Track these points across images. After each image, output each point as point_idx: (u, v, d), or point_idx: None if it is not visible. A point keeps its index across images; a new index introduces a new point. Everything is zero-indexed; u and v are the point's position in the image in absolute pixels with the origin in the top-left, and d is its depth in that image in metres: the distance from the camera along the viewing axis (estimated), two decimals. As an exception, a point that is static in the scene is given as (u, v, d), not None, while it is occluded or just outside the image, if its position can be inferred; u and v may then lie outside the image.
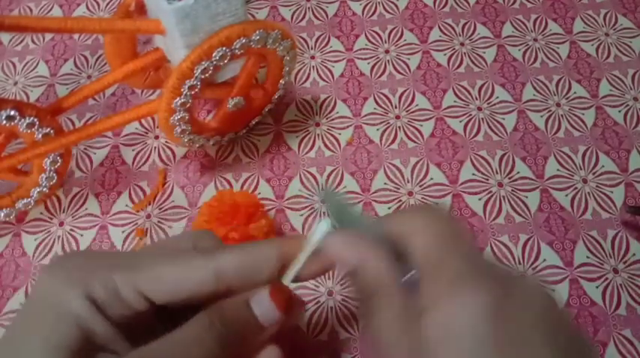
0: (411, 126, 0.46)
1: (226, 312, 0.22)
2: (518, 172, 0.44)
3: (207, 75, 0.35)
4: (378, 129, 0.46)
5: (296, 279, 0.24)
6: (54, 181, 0.39)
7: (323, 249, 0.24)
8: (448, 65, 0.49)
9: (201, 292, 0.22)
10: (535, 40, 0.51)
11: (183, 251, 0.23)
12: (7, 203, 0.39)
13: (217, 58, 0.34)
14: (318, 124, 0.46)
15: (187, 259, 0.22)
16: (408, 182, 0.43)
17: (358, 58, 0.50)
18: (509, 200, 0.42)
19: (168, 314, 0.23)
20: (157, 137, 0.46)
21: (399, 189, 0.43)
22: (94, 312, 0.20)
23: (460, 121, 0.46)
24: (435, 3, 0.53)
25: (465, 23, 0.52)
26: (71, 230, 0.41)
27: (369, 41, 0.51)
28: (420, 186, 0.43)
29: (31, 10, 0.54)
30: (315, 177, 0.43)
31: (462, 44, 0.51)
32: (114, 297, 0.20)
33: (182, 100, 0.35)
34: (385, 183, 0.43)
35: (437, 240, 0.22)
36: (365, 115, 0.47)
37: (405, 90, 0.48)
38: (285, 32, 0.37)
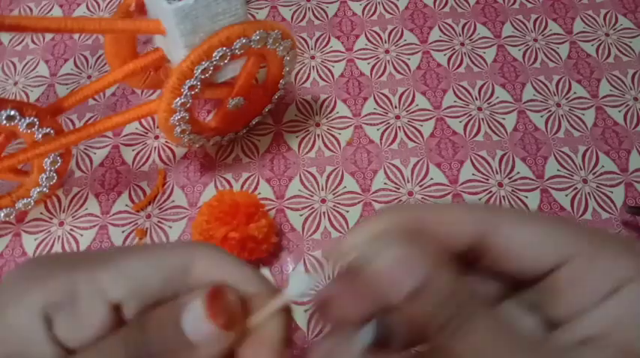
0: (411, 126, 0.46)
1: (150, 327, 0.17)
2: (518, 172, 0.44)
3: (207, 75, 0.35)
4: (378, 129, 0.46)
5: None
6: (54, 181, 0.39)
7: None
8: (448, 65, 0.49)
9: (162, 291, 0.18)
10: (535, 40, 0.51)
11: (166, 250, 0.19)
12: (7, 203, 0.39)
13: (217, 58, 0.34)
14: (318, 124, 0.46)
15: (168, 257, 0.18)
16: (408, 182, 0.43)
17: (358, 58, 0.50)
18: (509, 200, 0.42)
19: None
20: (157, 137, 0.46)
21: (399, 189, 0.43)
22: (41, 331, 0.16)
23: (460, 121, 0.46)
24: (435, 3, 0.54)
25: (465, 23, 0.52)
26: (71, 230, 0.41)
27: (369, 41, 0.51)
28: (420, 186, 0.43)
29: (31, 10, 0.54)
30: (315, 177, 0.43)
31: (462, 44, 0.51)
32: (68, 307, 0.17)
33: (182, 100, 0.35)
34: (385, 183, 0.43)
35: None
36: (365, 115, 0.47)
37: (405, 91, 0.48)
38: (286, 32, 0.37)
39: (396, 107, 0.47)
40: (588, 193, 0.43)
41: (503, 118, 0.46)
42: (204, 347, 0.16)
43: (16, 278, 0.18)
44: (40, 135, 0.35)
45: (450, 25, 0.52)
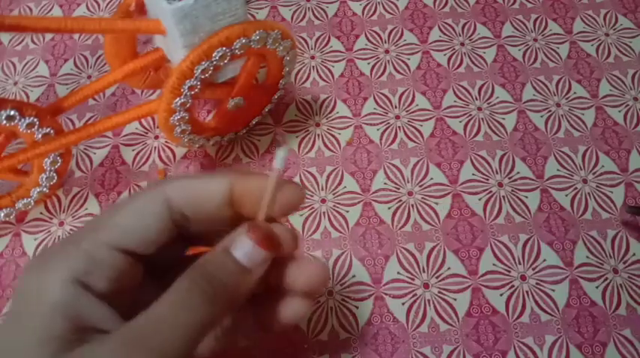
0: (411, 126, 0.46)
1: (207, 266, 0.21)
2: (518, 172, 0.44)
3: (207, 75, 0.35)
4: (378, 130, 0.46)
5: (270, 219, 0.23)
6: (54, 181, 0.39)
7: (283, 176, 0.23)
8: (448, 65, 0.49)
9: (164, 229, 0.22)
10: (535, 40, 0.51)
11: (136, 194, 0.23)
12: (7, 203, 0.39)
13: (217, 58, 0.34)
14: (318, 124, 0.46)
15: (141, 199, 0.22)
16: (408, 182, 0.43)
17: (358, 58, 0.50)
18: (509, 200, 0.42)
19: (161, 273, 0.22)
20: (156, 137, 0.46)
21: (399, 189, 0.43)
22: (78, 294, 0.19)
23: (460, 121, 0.46)
24: (434, 3, 0.54)
25: (465, 23, 0.52)
26: (71, 230, 0.41)
27: (369, 41, 0.51)
28: (420, 186, 0.43)
29: (31, 10, 0.54)
30: (315, 177, 0.43)
31: (462, 44, 0.51)
32: (92, 265, 0.20)
33: (182, 100, 0.35)
34: (385, 183, 0.43)
35: None
36: (365, 115, 0.47)
37: (405, 91, 0.48)
38: (285, 32, 0.37)
39: (396, 107, 0.47)
40: (588, 193, 0.43)
41: (503, 118, 0.46)
42: (257, 269, 0.22)
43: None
44: (40, 135, 0.35)
45: (449, 25, 0.52)
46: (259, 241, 0.22)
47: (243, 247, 0.21)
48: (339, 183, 0.43)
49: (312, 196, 0.43)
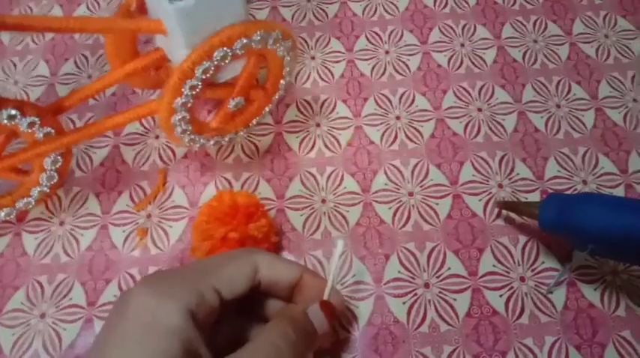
0: (411, 127, 0.46)
1: (296, 320, 0.27)
2: (518, 173, 0.44)
3: (208, 75, 0.35)
4: (378, 130, 0.46)
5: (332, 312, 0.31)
6: (54, 180, 0.39)
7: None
8: (448, 66, 0.50)
9: (249, 287, 0.28)
10: (535, 41, 0.51)
11: (235, 254, 0.29)
12: (7, 202, 0.39)
13: (218, 58, 0.34)
14: (318, 125, 0.46)
15: (240, 261, 0.28)
16: (409, 183, 0.43)
17: (358, 59, 0.50)
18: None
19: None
20: (157, 137, 0.46)
21: (399, 189, 0.43)
22: (191, 324, 0.22)
23: (460, 122, 0.46)
24: (435, 4, 0.54)
25: (465, 24, 0.52)
26: (72, 229, 0.41)
27: (370, 42, 0.51)
28: (421, 187, 0.43)
29: (31, 10, 0.54)
30: (315, 178, 0.43)
31: (462, 45, 0.51)
32: (202, 304, 0.24)
33: (183, 100, 0.35)
34: (386, 184, 0.43)
35: None
36: (365, 116, 0.47)
37: (405, 91, 0.48)
38: (286, 33, 0.37)
39: (396, 108, 0.47)
40: (588, 194, 0.43)
41: (503, 119, 0.46)
42: (322, 330, 0.29)
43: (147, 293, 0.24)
44: (40, 135, 0.35)
45: (450, 26, 0.52)
46: (329, 315, 0.29)
47: (317, 315, 0.29)
48: (340, 184, 0.43)
49: (312, 196, 0.43)
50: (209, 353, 0.23)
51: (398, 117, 0.47)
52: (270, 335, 0.25)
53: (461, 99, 0.48)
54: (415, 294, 0.39)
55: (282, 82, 0.42)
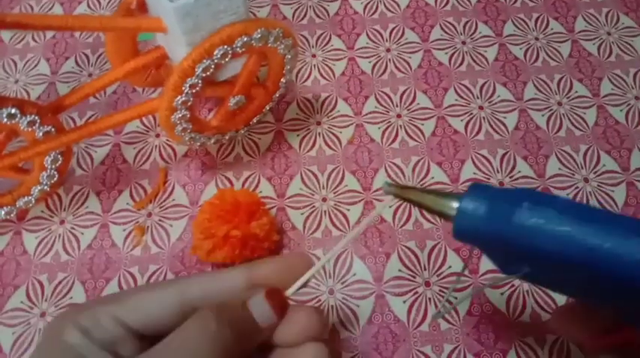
0: (412, 124, 0.46)
1: (227, 312, 0.23)
2: (519, 171, 0.44)
3: (208, 73, 0.35)
4: (379, 128, 0.46)
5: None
6: (55, 179, 0.39)
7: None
8: (449, 64, 0.49)
9: (170, 317, 0.24)
10: (536, 38, 0.51)
11: (161, 283, 0.26)
12: (7, 201, 0.39)
13: (219, 56, 0.34)
14: (319, 123, 0.46)
15: (160, 292, 0.25)
16: (410, 181, 0.43)
17: (359, 57, 0.50)
18: (510, 199, 0.42)
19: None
20: (157, 135, 0.46)
21: (400, 187, 0.43)
22: (85, 341, 0.23)
23: (461, 120, 0.46)
24: (436, 1, 0.53)
25: (467, 22, 0.52)
26: (72, 228, 0.41)
27: (371, 40, 0.51)
28: (422, 185, 0.43)
29: (32, 8, 0.54)
30: (316, 176, 0.43)
31: (464, 43, 0.51)
32: (98, 328, 0.23)
33: (183, 99, 0.35)
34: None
35: None
36: (366, 114, 0.46)
37: (407, 89, 0.48)
38: (287, 30, 0.37)
39: (397, 106, 0.47)
40: (590, 192, 0.43)
41: (505, 117, 0.46)
42: (267, 326, 0.24)
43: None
44: (41, 133, 0.35)
45: (451, 23, 0.52)
46: (275, 305, 0.24)
47: (259, 306, 0.24)
48: (340, 182, 0.43)
49: (313, 195, 0.43)
50: None
51: (399, 116, 0.46)
52: (191, 327, 0.23)
53: (462, 97, 0.47)
54: (416, 293, 0.38)
55: (282, 80, 0.41)
